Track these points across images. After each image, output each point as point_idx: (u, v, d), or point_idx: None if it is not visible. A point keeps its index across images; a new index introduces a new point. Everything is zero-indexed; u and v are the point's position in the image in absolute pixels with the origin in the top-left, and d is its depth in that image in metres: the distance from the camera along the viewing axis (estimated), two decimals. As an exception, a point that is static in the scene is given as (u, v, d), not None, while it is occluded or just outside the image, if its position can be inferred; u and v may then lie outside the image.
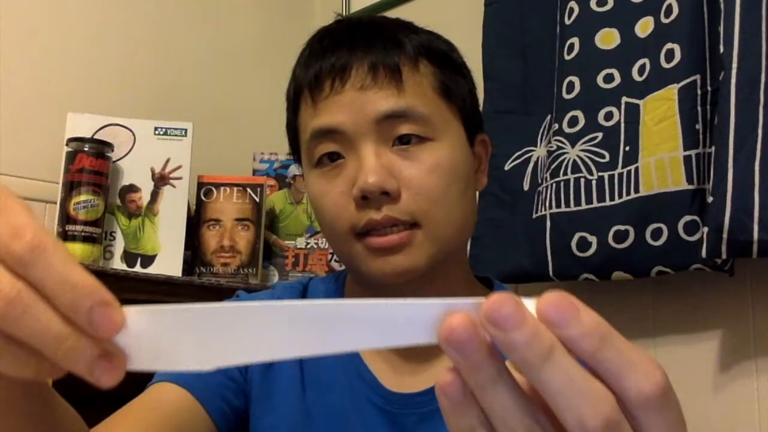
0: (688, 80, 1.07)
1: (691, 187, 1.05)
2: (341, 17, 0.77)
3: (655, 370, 0.29)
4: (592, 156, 1.17)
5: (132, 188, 1.36)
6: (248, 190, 1.43)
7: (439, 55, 0.72)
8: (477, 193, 0.75)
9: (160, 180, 1.37)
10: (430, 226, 0.65)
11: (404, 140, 0.66)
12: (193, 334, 0.30)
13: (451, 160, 0.67)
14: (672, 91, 1.08)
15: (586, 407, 0.28)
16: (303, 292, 0.79)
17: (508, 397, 0.29)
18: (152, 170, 1.37)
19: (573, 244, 1.16)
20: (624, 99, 1.16)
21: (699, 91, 1.06)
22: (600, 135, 1.17)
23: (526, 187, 1.29)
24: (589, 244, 1.14)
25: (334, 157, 0.68)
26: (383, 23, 0.74)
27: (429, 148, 0.67)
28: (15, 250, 0.29)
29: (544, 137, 1.28)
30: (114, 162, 1.34)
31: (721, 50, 1.01)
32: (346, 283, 0.79)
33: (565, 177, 1.19)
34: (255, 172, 1.54)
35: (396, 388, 0.70)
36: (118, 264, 1.33)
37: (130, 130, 1.38)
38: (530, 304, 0.29)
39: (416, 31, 0.73)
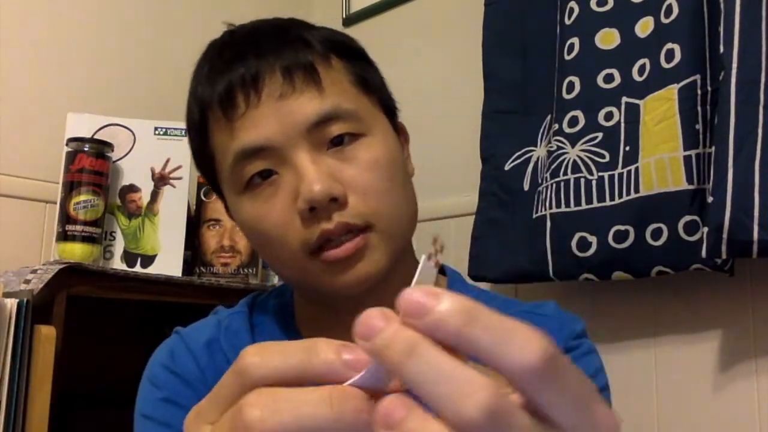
0: (688, 80, 1.07)
1: (691, 187, 1.05)
2: (234, 27, 0.71)
3: (533, 338, 0.26)
4: (592, 156, 1.17)
5: (132, 188, 1.36)
6: (248, 190, 1.42)
7: (344, 47, 0.68)
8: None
9: (160, 180, 1.36)
10: (383, 225, 0.63)
11: (337, 141, 0.63)
12: None
13: (387, 153, 0.65)
14: (672, 91, 1.08)
15: (459, 397, 0.25)
16: (249, 315, 0.73)
17: None
18: (152, 170, 1.37)
19: (573, 244, 1.16)
20: (624, 99, 1.15)
21: (699, 91, 1.06)
22: (600, 135, 1.17)
23: (526, 187, 1.29)
24: (589, 244, 1.14)
25: (265, 174, 0.62)
26: (284, 24, 0.69)
27: (364, 144, 0.64)
28: None
29: (544, 137, 1.28)
30: (114, 162, 1.34)
31: (721, 50, 1.00)
32: (294, 299, 0.74)
33: (565, 177, 1.19)
34: (255, 172, 1.54)
35: None
36: (118, 264, 1.33)
37: (130, 130, 1.38)
38: None
39: (315, 27, 0.69)
